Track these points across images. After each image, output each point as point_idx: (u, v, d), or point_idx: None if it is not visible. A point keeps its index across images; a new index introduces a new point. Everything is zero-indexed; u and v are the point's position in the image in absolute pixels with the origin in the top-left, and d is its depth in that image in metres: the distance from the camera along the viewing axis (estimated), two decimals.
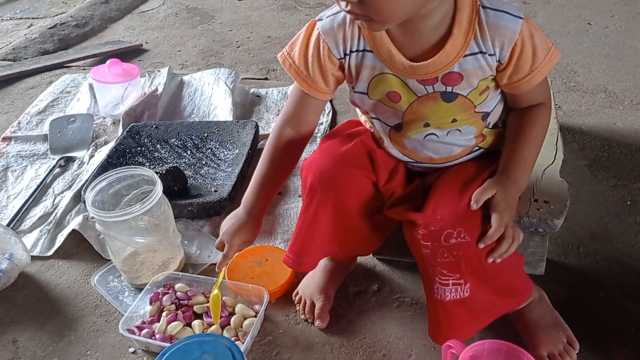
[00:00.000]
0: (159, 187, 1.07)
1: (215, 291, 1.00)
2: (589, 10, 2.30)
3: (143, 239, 1.08)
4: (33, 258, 1.21)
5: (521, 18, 0.79)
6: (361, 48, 0.86)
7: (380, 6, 0.71)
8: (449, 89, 0.84)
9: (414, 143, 0.93)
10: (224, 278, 1.03)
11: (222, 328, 1.00)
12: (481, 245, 0.83)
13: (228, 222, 1.02)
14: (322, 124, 1.62)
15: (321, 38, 0.87)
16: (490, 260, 0.84)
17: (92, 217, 1.04)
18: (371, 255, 1.15)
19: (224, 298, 1.04)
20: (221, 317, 1.01)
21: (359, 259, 1.15)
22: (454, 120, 0.88)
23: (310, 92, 0.92)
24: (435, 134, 0.91)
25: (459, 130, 0.90)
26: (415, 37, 0.81)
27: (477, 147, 0.94)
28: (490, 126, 0.92)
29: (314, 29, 0.88)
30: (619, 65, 1.86)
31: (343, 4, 0.73)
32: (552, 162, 1.10)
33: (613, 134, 1.50)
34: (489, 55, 0.81)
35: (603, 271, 1.10)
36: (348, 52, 0.87)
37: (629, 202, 1.26)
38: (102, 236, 1.12)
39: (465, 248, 0.83)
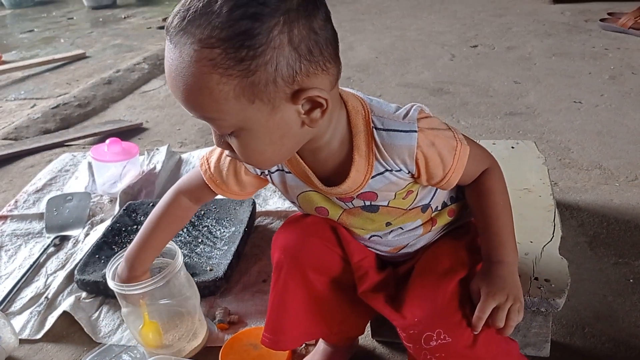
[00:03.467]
0: (179, 257, 1.05)
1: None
2: (579, 89, 2.36)
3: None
4: (21, 341, 1.17)
5: (415, 131, 0.76)
6: (280, 169, 0.85)
7: (247, 159, 0.74)
8: (367, 202, 0.84)
9: (362, 241, 0.92)
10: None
11: None
12: (476, 332, 0.80)
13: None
14: None
15: None
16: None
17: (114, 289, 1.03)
18: (371, 337, 1.12)
19: None
20: None
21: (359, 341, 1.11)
22: (388, 224, 0.88)
23: (222, 194, 0.93)
24: (377, 235, 0.90)
25: (401, 228, 0.89)
26: (322, 164, 0.81)
27: (430, 231, 0.92)
28: (439, 208, 0.91)
29: None
30: (612, 142, 1.89)
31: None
32: (551, 239, 1.09)
33: (611, 211, 1.50)
34: (396, 171, 0.79)
35: (610, 353, 1.07)
36: (267, 172, 0.87)
37: (631, 281, 1.24)
38: (124, 310, 1.08)
39: (447, 349, 0.80)
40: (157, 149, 1.87)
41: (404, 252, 0.93)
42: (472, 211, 0.90)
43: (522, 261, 1.01)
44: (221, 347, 1.11)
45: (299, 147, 0.75)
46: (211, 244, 1.44)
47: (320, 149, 0.78)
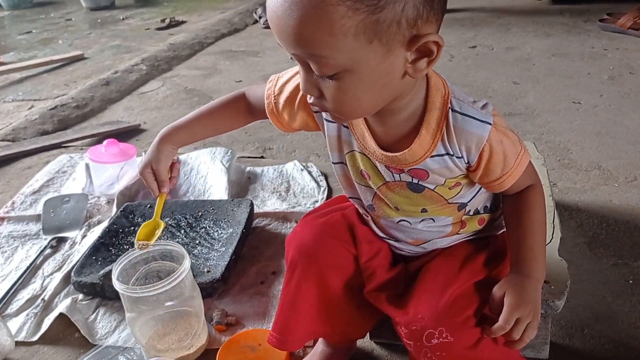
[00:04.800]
0: (187, 261, 1.04)
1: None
2: (578, 90, 2.36)
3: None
4: (17, 343, 1.17)
5: (490, 124, 0.76)
6: None
7: (338, 106, 0.71)
8: (415, 180, 0.83)
9: (389, 225, 0.92)
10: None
11: None
12: (488, 336, 0.80)
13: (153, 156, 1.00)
14: (317, 201, 1.61)
15: None
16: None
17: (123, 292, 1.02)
18: (369, 338, 1.11)
19: None
20: None
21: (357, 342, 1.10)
22: (424, 210, 0.87)
23: (268, 116, 0.91)
24: (407, 221, 0.89)
25: (432, 220, 0.88)
26: (386, 129, 0.80)
27: (457, 234, 0.91)
28: (471, 213, 0.90)
29: None
30: (611, 142, 1.88)
31: (307, 96, 0.73)
32: (550, 241, 1.08)
33: (610, 211, 1.49)
34: (457, 157, 0.79)
35: (610, 354, 1.06)
36: (325, 114, 0.85)
37: (630, 282, 1.24)
38: (129, 315, 1.07)
39: (448, 348, 0.80)
40: None
41: (423, 247, 0.92)
42: (508, 221, 0.89)
43: None
44: (218, 349, 1.10)
45: (387, 103, 0.74)
46: (209, 245, 1.43)
47: (390, 113, 0.77)
